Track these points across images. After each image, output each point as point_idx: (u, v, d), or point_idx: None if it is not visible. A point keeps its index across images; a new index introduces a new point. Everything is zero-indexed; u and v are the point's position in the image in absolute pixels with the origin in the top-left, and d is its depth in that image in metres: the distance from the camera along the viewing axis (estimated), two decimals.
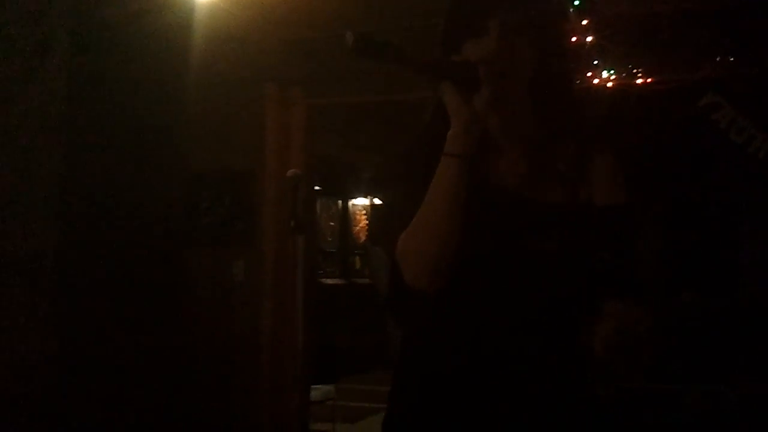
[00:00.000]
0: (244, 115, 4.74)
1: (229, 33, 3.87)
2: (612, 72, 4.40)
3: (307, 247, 4.81)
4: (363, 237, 7.98)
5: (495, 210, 1.41)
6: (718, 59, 4.41)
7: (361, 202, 7.99)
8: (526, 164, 1.45)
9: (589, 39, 4.04)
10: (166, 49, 3.54)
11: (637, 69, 4.49)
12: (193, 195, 4.79)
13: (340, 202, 7.84)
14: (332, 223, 7.76)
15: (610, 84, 4.46)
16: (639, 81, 4.48)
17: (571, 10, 3.84)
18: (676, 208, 5.31)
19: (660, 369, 4.15)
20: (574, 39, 3.99)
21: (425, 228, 1.37)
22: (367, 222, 7.97)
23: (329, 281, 7.29)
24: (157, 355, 4.23)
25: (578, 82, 4.11)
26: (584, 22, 3.92)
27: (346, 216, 7.91)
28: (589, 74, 4.22)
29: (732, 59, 4.43)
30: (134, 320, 3.73)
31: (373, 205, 7.94)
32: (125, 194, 4.27)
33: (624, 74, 4.49)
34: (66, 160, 3.17)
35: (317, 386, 4.70)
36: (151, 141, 4.36)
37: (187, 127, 4.49)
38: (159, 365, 4.37)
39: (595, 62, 4.22)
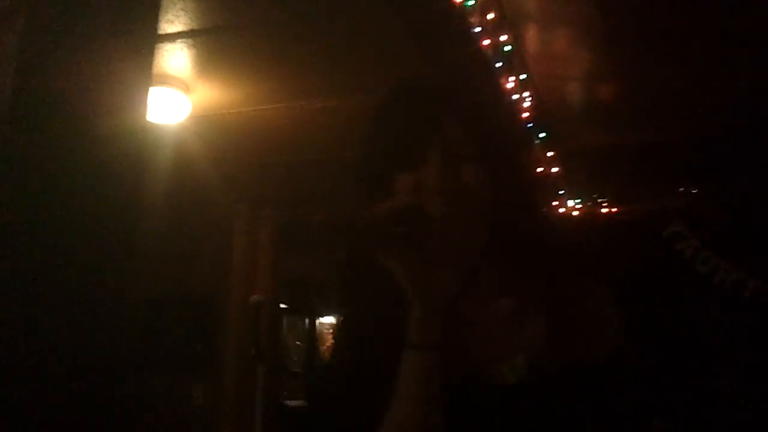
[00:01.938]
0: (212, 236, 4.72)
1: (197, 155, 3.89)
2: (578, 201, 4.47)
3: (268, 371, 4.71)
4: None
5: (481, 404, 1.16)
6: (681, 190, 4.51)
7: (328, 320, 7.89)
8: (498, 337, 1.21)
9: (554, 170, 4.12)
10: (126, 173, 3.55)
11: (602, 198, 4.57)
12: (154, 318, 4.69)
13: (307, 320, 7.73)
14: (298, 342, 7.61)
15: (575, 213, 4.52)
16: (604, 210, 4.55)
17: (537, 142, 3.93)
18: (645, 337, 5.29)
19: None
20: (540, 170, 4.07)
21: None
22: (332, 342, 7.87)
23: (293, 403, 7.07)
24: None
25: (544, 211, 4.16)
26: (550, 154, 4.01)
27: (313, 335, 7.78)
28: (555, 203, 4.27)
29: (695, 190, 4.53)
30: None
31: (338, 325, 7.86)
32: (76, 317, 4.17)
33: (589, 203, 4.57)
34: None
35: None
36: (103, 265, 4.32)
37: (147, 251, 4.46)
38: None
39: (561, 192, 4.29)
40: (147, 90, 2.59)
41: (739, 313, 4.70)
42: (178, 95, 3.23)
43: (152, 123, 3.13)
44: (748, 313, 4.61)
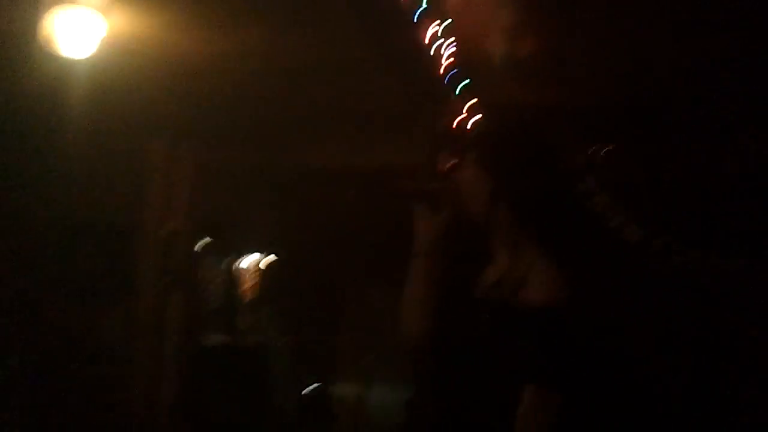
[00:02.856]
0: (127, 168, 4.61)
1: (113, 85, 3.77)
2: None
3: (187, 305, 4.69)
4: (250, 296, 7.84)
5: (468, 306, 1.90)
6: (594, 148, 4.60)
7: (249, 260, 7.86)
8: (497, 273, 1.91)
9: (473, 119, 4.15)
10: (38, 101, 3.42)
11: None
12: (67, 248, 4.60)
13: (227, 258, 7.69)
14: (217, 281, 7.58)
15: None
16: None
17: (457, 92, 3.95)
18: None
19: None
20: (459, 119, 4.10)
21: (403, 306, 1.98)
22: (255, 280, 7.85)
23: (212, 341, 7.09)
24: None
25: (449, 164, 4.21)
26: (469, 104, 4.04)
27: (233, 273, 7.75)
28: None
29: (608, 148, 4.63)
30: None
31: (263, 264, 7.84)
32: None
33: None
34: None
35: None
36: (20, 193, 4.19)
37: (60, 179, 4.34)
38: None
39: None
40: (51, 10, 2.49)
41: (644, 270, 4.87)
42: (91, 16, 3.06)
43: (59, 51, 3.00)
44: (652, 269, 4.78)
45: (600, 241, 4.83)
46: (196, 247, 5.69)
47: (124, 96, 3.83)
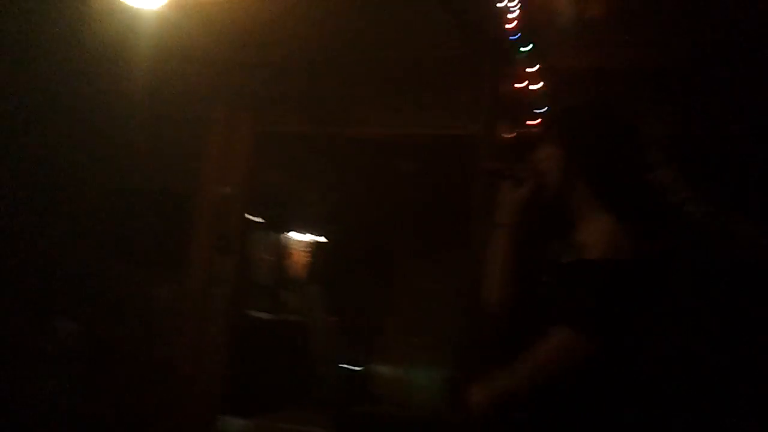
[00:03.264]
0: (187, 135, 4.62)
1: (177, 48, 3.77)
2: None
3: (237, 276, 4.68)
4: (300, 274, 7.85)
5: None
6: (660, 117, 4.47)
7: (301, 237, 7.87)
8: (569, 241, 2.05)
9: (535, 86, 4.06)
10: (103, 57, 3.44)
11: None
12: (123, 213, 4.64)
13: (279, 236, 7.71)
14: (267, 257, 7.61)
15: None
16: None
17: (519, 56, 3.86)
18: None
19: None
20: (520, 85, 4.01)
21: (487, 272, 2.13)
22: (306, 259, 7.85)
23: (261, 315, 7.13)
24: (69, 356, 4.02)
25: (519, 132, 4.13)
26: (533, 69, 3.94)
27: (284, 251, 7.78)
28: (531, 122, 4.23)
29: (677, 118, 4.50)
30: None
31: (314, 243, 7.84)
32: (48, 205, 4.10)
33: None
34: None
35: (233, 420, 4.52)
36: (73, 154, 4.23)
37: (119, 142, 4.37)
38: (71, 365, 4.16)
39: (543, 110, 4.24)
40: None
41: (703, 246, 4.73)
42: None
43: (127, 5, 3.01)
44: (712, 246, 4.64)
45: (662, 214, 4.71)
46: (250, 222, 5.71)
47: (187, 57, 3.83)
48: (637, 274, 1.90)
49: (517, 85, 3.91)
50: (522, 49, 3.81)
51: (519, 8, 3.61)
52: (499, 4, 3.54)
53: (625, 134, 2.09)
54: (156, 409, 4.40)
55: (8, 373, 3.80)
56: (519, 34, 3.75)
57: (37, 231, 4.35)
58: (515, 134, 4.10)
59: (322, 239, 7.81)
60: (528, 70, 3.93)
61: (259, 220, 6.82)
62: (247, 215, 4.78)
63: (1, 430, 3.85)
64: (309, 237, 7.91)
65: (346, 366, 6.77)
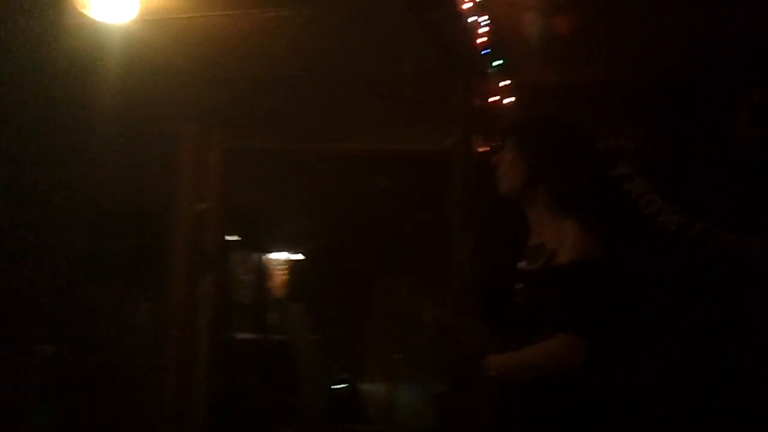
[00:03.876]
0: (159, 154, 4.60)
1: (146, 64, 3.76)
2: None
3: (217, 294, 4.67)
4: (281, 292, 7.82)
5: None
6: (631, 130, 4.53)
7: (279, 256, 7.84)
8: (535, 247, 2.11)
9: (507, 101, 4.10)
10: (71, 73, 3.40)
11: None
12: (98, 233, 4.60)
13: (257, 255, 7.68)
14: (247, 277, 7.57)
15: None
16: None
17: (490, 71, 3.90)
18: None
19: None
20: (492, 99, 4.05)
21: None
22: (284, 277, 7.82)
23: (242, 336, 7.09)
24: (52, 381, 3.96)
25: (493, 145, 4.16)
26: (504, 83, 3.98)
27: (262, 270, 7.74)
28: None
29: (644, 131, 4.55)
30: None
31: (292, 261, 7.82)
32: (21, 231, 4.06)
33: None
34: None
35: None
36: (46, 178, 4.18)
37: (90, 164, 4.34)
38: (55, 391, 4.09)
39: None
40: None
41: (679, 256, 4.77)
42: None
43: (94, 20, 3.00)
44: (688, 256, 4.68)
45: (635, 225, 4.76)
46: (226, 240, 5.69)
47: (157, 72, 3.82)
48: (611, 273, 1.95)
49: (489, 100, 3.94)
50: (494, 63, 3.85)
51: (489, 24, 3.65)
52: (469, 20, 3.58)
53: (581, 141, 2.15)
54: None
55: None
56: (489, 49, 3.78)
57: (10, 253, 4.29)
58: (489, 148, 4.14)
59: (300, 257, 7.79)
60: (500, 84, 3.96)
61: (235, 238, 6.79)
62: (222, 234, 4.77)
63: None
64: (286, 255, 7.88)
65: (331, 384, 6.76)
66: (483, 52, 3.76)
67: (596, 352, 1.89)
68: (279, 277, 7.83)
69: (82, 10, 2.69)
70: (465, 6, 3.40)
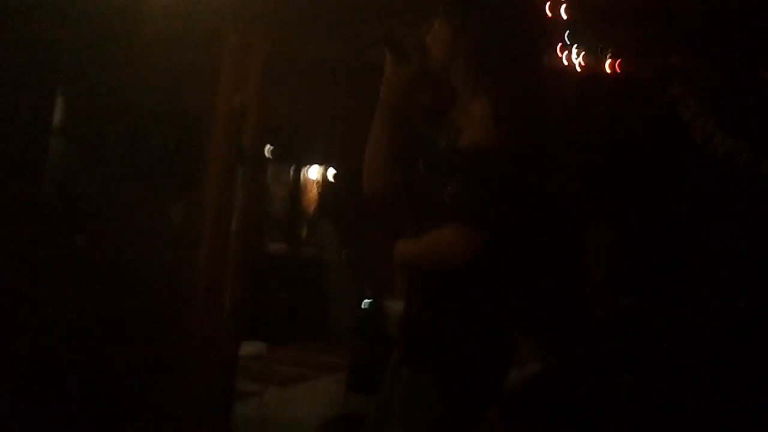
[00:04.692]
0: (199, 56, 4.51)
1: None
2: (583, 50, 4.32)
3: (250, 201, 4.64)
4: (312, 208, 7.81)
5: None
6: (688, 52, 4.37)
7: (314, 171, 7.80)
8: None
9: (563, 14, 3.95)
10: None
11: (607, 52, 4.42)
12: (139, 134, 4.58)
13: (291, 169, 7.64)
14: (281, 191, 7.55)
15: (578, 65, 4.39)
16: (607, 64, 4.42)
17: None
18: (630, 210, 5.25)
19: None
20: (548, 13, 3.90)
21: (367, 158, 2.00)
22: (318, 192, 7.80)
23: (274, 247, 7.13)
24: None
25: (546, 58, 4.02)
26: None
27: (296, 184, 7.72)
28: (559, 49, 4.13)
29: (702, 54, 4.40)
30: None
31: (326, 176, 7.77)
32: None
33: (593, 57, 4.42)
34: None
35: (249, 342, 4.52)
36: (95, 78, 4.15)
37: (134, 65, 4.29)
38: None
39: (567, 36, 4.14)
40: None
41: (728, 186, 4.67)
42: None
43: None
44: (737, 185, 4.57)
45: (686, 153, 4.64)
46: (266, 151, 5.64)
47: None
48: (518, 164, 1.81)
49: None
50: None
51: None
52: None
53: (520, 15, 1.93)
54: (171, 330, 4.41)
55: (26, 287, 3.80)
56: None
57: (53, 151, 4.28)
58: None
59: (334, 172, 7.75)
60: None
61: (270, 150, 6.75)
62: (260, 135, 4.71)
63: (18, 347, 3.85)
64: (321, 169, 7.85)
65: (358, 301, 6.79)
66: None
67: (491, 247, 1.80)
68: (311, 192, 7.81)
69: None
70: None
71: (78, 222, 4.29)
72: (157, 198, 4.55)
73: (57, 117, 4.46)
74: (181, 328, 4.48)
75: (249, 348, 4.54)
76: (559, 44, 4.15)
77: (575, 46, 4.25)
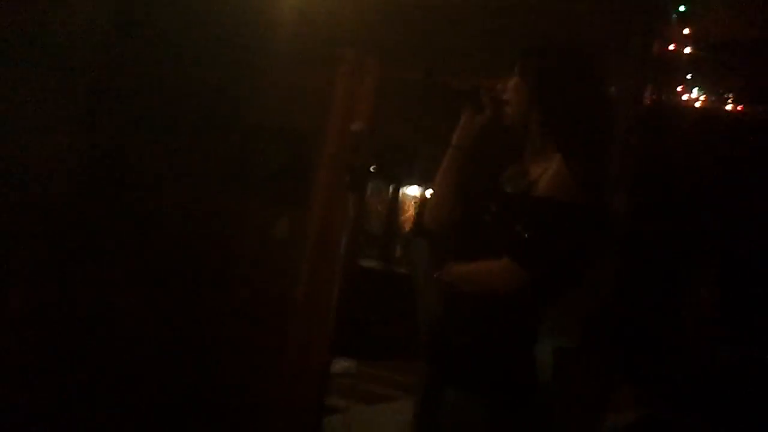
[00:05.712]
0: (313, 77, 4.61)
1: None
2: (702, 91, 4.19)
3: (354, 221, 4.69)
4: (408, 227, 7.83)
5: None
6: None
7: (413, 190, 7.83)
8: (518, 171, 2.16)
9: (686, 50, 3.84)
10: None
11: (728, 94, 4.27)
12: (247, 148, 4.70)
13: (390, 187, 7.70)
14: (379, 208, 7.61)
15: (698, 104, 4.25)
16: (729, 107, 4.27)
17: (674, 15, 3.65)
18: (731, 254, 5.04)
19: None
20: (671, 47, 3.80)
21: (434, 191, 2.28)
22: (415, 212, 7.83)
23: (366, 264, 7.18)
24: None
25: (666, 95, 3.93)
26: (686, 31, 3.72)
27: (395, 202, 7.76)
28: (680, 88, 4.01)
29: None
30: None
31: (424, 196, 7.79)
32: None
33: (714, 97, 4.28)
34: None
35: (339, 360, 4.57)
36: (204, 90, 4.28)
37: (248, 80, 4.40)
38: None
39: (688, 76, 4.02)
40: None
41: None
42: None
43: None
44: None
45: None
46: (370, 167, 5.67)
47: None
48: (579, 218, 1.95)
49: (668, 47, 3.71)
50: (678, 8, 3.60)
51: None
52: None
53: (590, 77, 2.08)
54: (265, 344, 4.50)
55: (132, 297, 3.93)
56: None
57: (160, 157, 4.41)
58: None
59: (431, 192, 7.76)
60: (681, 32, 3.71)
61: (373, 168, 6.81)
62: (368, 158, 4.76)
63: (119, 357, 3.95)
64: (420, 190, 7.86)
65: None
66: None
67: (539, 286, 1.95)
68: (409, 211, 7.83)
69: None
70: None
71: (187, 233, 4.39)
72: (263, 213, 4.66)
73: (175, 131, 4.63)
74: (279, 339, 4.58)
75: (339, 366, 4.59)
76: (681, 85, 4.04)
77: (696, 88, 4.13)
